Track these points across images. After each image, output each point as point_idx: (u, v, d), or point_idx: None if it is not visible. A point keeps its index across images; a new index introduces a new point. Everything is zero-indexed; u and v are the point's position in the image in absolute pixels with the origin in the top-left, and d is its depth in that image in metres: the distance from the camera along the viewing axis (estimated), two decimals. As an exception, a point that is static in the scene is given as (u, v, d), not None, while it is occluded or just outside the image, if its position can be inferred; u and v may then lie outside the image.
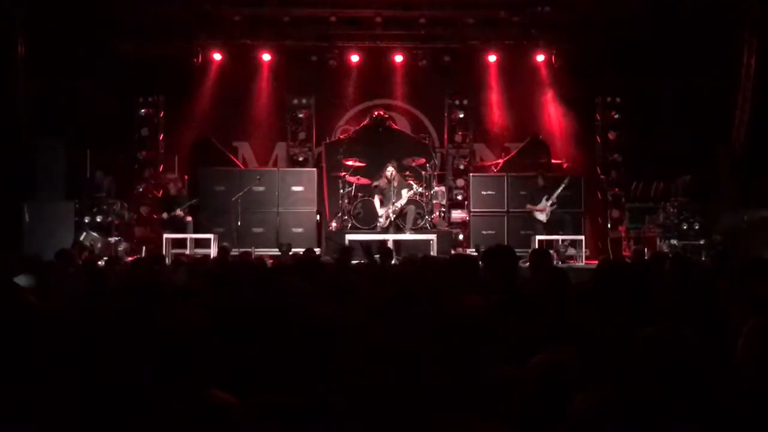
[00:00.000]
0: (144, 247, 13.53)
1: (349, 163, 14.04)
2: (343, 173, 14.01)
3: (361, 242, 8.81)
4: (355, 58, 15.50)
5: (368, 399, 2.55)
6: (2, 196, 12.08)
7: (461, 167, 15.44)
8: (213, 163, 14.85)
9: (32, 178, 12.65)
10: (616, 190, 14.91)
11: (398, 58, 15.54)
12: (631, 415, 2.02)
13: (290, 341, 2.97)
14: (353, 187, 14.10)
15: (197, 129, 15.31)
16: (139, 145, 14.88)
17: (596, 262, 11.27)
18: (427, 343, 3.01)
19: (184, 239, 12.87)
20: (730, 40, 13.37)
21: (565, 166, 15.04)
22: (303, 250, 10.69)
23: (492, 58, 15.45)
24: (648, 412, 2.03)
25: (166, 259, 10.13)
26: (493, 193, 14.29)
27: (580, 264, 12.62)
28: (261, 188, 13.84)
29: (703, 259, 12.19)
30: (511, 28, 15.11)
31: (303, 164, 15.25)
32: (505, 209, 14.19)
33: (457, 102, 15.57)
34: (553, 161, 15.20)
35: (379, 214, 13.30)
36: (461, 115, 15.53)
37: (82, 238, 12.61)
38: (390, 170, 13.31)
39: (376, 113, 15.17)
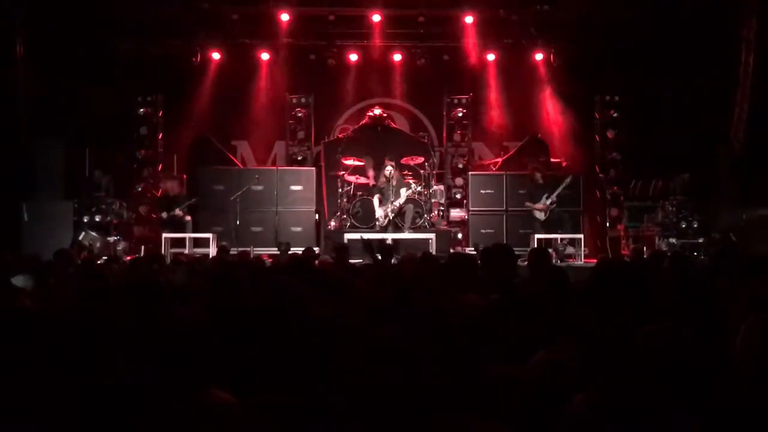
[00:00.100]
0: (143, 247, 13.51)
1: (348, 162, 14.04)
2: (342, 172, 14.01)
3: (362, 239, 8.81)
4: (353, 56, 15.50)
5: (368, 399, 2.55)
6: (1, 195, 12.08)
7: (460, 166, 15.45)
8: (212, 162, 14.85)
9: (31, 178, 12.65)
10: (615, 188, 14.91)
11: (397, 57, 15.54)
12: (630, 415, 2.02)
13: (290, 341, 2.97)
14: (352, 186, 14.10)
15: (196, 128, 15.31)
16: (137, 145, 14.86)
17: (595, 260, 11.27)
18: (427, 343, 3.01)
19: (183, 239, 12.86)
20: (728, 39, 13.37)
21: (564, 164, 15.03)
22: (302, 249, 10.69)
23: (491, 56, 15.45)
24: (647, 412, 2.03)
25: (166, 259, 10.12)
26: (492, 191, 14.29)
27: (579, 263, 12.63)
28: (260, 187, 13.84)
29: (702, 257, 12.20)
30: (509, 27, 15.12)
31: (302, 163, 15.25)
32: (504, 208, 14.19)
33: (455, 101, 15.57)
34: (552, 160, 15.20)
35: (378, 213, 13.31)
36: (460, 114, 15.53)
37: (81, 237, 12.62)
38: (389, 169, 13.32)
39: (374, 112, 15.16)
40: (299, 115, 15.46)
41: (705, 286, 4.14)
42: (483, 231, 14.07)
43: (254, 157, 15.87)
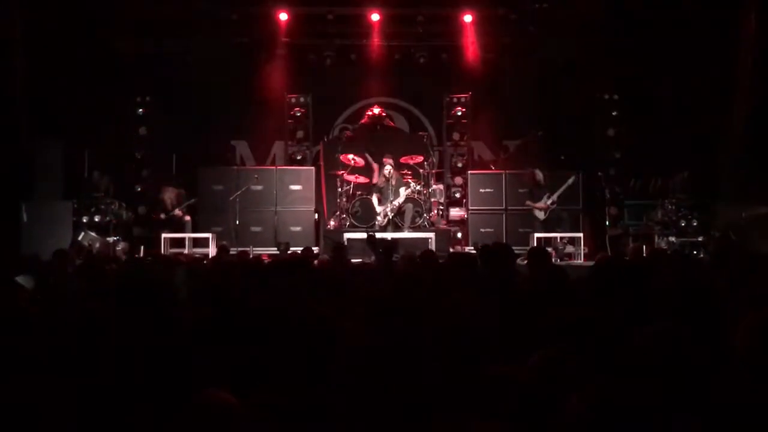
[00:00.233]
0: (142, 247, 13.51)
1: (350, 157, 14.02)
2: (341, 171, 14.01)
3: (367, 233, 8.80)
4: (352, 56, 15.49)
5: (368, 399, 2.55)
6: (0, 195, 12.06)
7: (459, 165, 15.44)
8: (211, 162, 14.83)
9: (30, 178, 12.64)
10: (615, 187, 14.90)
11: (396, 56, 15.53)
12: (630, 415, 2.02)
13: (290, 341, 2.97)
14: (351, 186, 14.09)
15: (195, 128, 15.30)
16: (137, 145, 14.85)
17: (595, 259, 11.26)
18: (427, 343, 3.01)
19: (183, 239, 12.86)
20: (728, 38, 13.36)
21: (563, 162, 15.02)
22: (301, 249, 10.68)
23: (490, 55, 15.44)
24: (647, 412, 2.03)
25: (165, 259, 10.10)
26: (492, 190, 14.29)
27: (579, 261, 12.62)
28: (259, 187, 13.83)
29: (702, 255, 12.19)
30: (509, 25, 15.11)
31: (301, 163, 15.25)
32: (504, 207, 14.19)
33: (455, 100, 15.56)
34: (551, 159, 15.17)
35: (378, 212, 13.31)
36: (459, 113, 15.52)
37: (80, 237, 12.61)
38: (388, 168, 13.32)
39: (374, 111, 15.15)
40: (298, 114, 15.45)
41: (705, 285, 4.14)
42: (482, 230, 14.07)
43: (253, 157, 15.87)
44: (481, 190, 14.33)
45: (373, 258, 7.72)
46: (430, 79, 15.64)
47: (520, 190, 13.81)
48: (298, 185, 14.09)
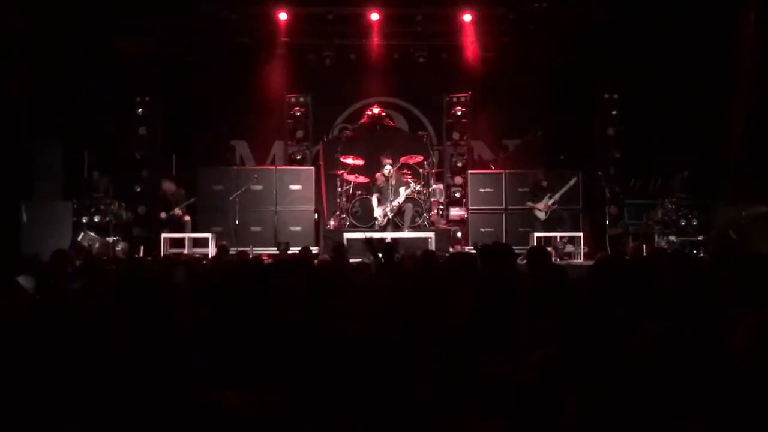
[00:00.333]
0: (142, 247, 13.51)
1: (347, 161, 14.03)
2: (341, 171, 14.01)
3: (365, 237, 8.78)
4: (352, 55, 15.49)
5: (368, 399, 2.55)
6: (0, 195, 12.06)
7: (459, 165, 15.44)
8: (211, 162, 14.83)
9: (30, 178, 12.63)
10: (615, 186, 14.89)
11: (395, 56, 15.53)
12: (630, 414, 2.02)
13: (290, 341, 2.97)
14: (351, 186, 14.09)
15: (195, 128, 15.31)
16: (137, 145, 14.85)
17: (595, 258, 11.26)
18: (427, 342, 3.02)
19: (183, 239, 12.85)
20: (728, 37, 13.36)
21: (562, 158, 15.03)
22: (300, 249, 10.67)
23: (490, 54, 15.44)
24: (647, 411, 2.03)
25: (164, 259, 10.12)
26: (491, 190, 14.29)
27: (579, 261, 12.63)
28: (259, 187, 13.82)
29: (702, 255, 12.20)
30: (508, 24, 15.11)
31: (301, 163, 15.24)
32: (504, 206, 14.19)
33: (454, 99, 15.56)
34: (551, 158, 15.17)
35: (377, 212, 13.30)
36: (459, 113, 15.51)
37: (80, 238, 12.60)
38: (387, 168, 13.31)
39: (373, 111, 15.14)
40: (298, 114, 15.45)
41: (705, 284, 4.14)
42: (482, 230, 14.07)
43: (253, 157, 15.86)
44: (480, 189, 14.33)
45: (371, 259, 7.71)
46: (429, 79, 15.62)
47: (520, 190, 13.81)
48: (298, 185, 14.09)
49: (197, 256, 11.17)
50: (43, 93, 12.82)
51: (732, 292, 4.29)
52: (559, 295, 4.17)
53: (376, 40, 15.30)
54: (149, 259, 11.79)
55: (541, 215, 12.99)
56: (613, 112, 15.12)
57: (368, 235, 10.27)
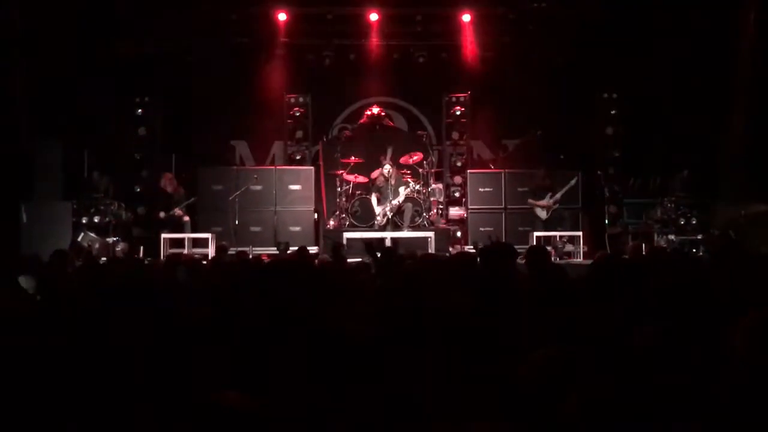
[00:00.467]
0: (142, 247, 13.50)
1: (349, 159, 14.01)
2: (341, 171, 14.01)
3: (364, 241, 8.78)
4: (351, 55, 15.50)
5: (368, 399, 2.55)
6: (0, 195, 12.06)
7: (459, 164, 15.44)
8: (210, 162, 14.83)
9: (30, 179, 12.62)
10: (614, 185, 14.89)
11: (395, 56, 15.53)
12: (629, 414, 2.02)
13: (290, 341, 2.97)
14: (351, 186, 14.09)
15: (195, 128, 15.31)
16: (136, 145, 14.84)
17: (594, 258, 11.25)
18: (427, 342, 3.02)
19: (182, 239, 12.86)
20: (728, 37, 13.37)
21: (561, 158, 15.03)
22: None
23: (489, 54, 15.44)
24: (647, 411, 2.03)
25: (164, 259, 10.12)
26: (491, 189, 14.29)
27: (578, 260, 12.63)
28: (258, 187, 13.83)
29: (701, 254, 12.20)
30: (507, 24, 15.12)
31: (300, 163, 15.24)
32: (503, 206, 14.19)
33: (454, 99, 15.55)
34: (551, 158, 15.17)
35: (377, 212, 13.31)
36: (458, 112, 15.51)
37: (79, 238, 12.60)
38: (387, 168, 13.31)
39: (373, 111, 15.14)
40: (297, 114, 15.44)
41: (704, 284, 4.14)
42: (482, 229, 14.06)
43: (253, 157, 15.87)
44: (480, 189, 14.34)
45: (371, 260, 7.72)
46: (429, 79, 15.62)
47: (520, 189, 13.82)
48: (298, 185, 14.09)
49: (197, 256, 11.16)
50: (43, 93, 12.81)
51: (732, 292, 4.30)
52: (559, 295, 4.17)
53: (375, 40, 15.30)
54: (149, 259, 11.79)
55: (543, 214, 13.00)
56: (613, 112, 15.12)
57: (367, 237, 10.26)
